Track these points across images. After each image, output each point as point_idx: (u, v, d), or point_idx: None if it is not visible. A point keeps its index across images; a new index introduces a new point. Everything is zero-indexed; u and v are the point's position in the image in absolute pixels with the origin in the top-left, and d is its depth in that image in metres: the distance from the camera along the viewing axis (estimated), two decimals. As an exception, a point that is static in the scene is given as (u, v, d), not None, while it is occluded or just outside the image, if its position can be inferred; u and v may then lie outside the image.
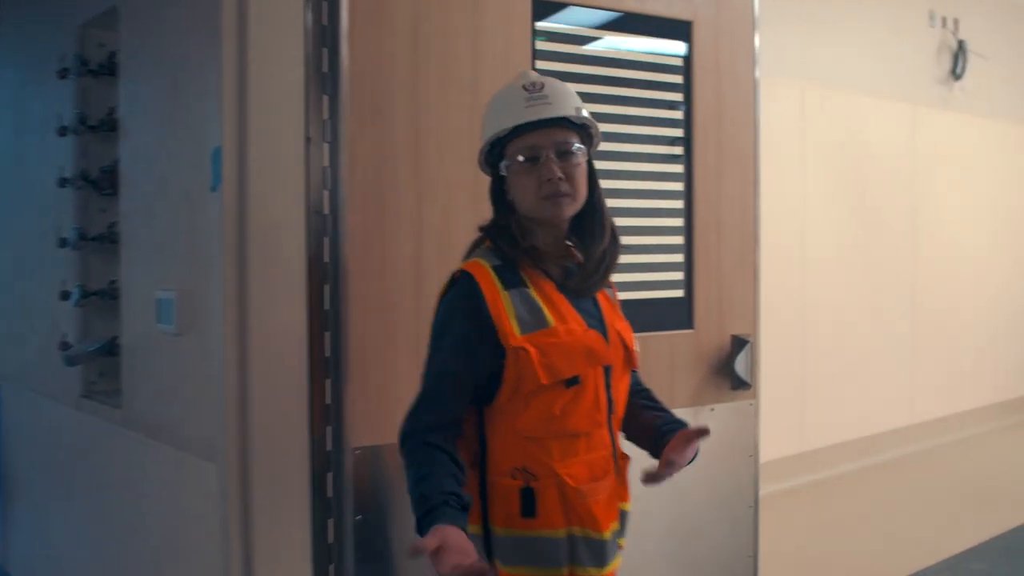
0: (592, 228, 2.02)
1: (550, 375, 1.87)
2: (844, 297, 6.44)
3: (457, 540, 1.70)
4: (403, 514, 2.48)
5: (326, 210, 2.42)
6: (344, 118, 2.40)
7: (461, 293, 1.96)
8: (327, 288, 2.42)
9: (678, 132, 2.95)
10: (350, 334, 2.40)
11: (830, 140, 6.37)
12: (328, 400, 2.43)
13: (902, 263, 6.96)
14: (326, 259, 2.42)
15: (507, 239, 1.98)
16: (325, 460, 2.42)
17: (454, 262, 2.54)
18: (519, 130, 1.95)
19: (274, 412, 2.36)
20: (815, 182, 6.27)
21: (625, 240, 2.86)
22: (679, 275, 2.96)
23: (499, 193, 2.03)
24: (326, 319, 2.42)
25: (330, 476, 2.42)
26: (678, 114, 2.95)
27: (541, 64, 2.69)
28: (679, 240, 2.96)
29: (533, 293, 1.93)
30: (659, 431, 2.05)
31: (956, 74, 7.44)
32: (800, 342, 5.98)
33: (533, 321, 1.91)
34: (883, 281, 6.79)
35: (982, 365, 7.74)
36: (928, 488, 6.19)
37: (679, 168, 2.95)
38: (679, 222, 2.96)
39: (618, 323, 2.06)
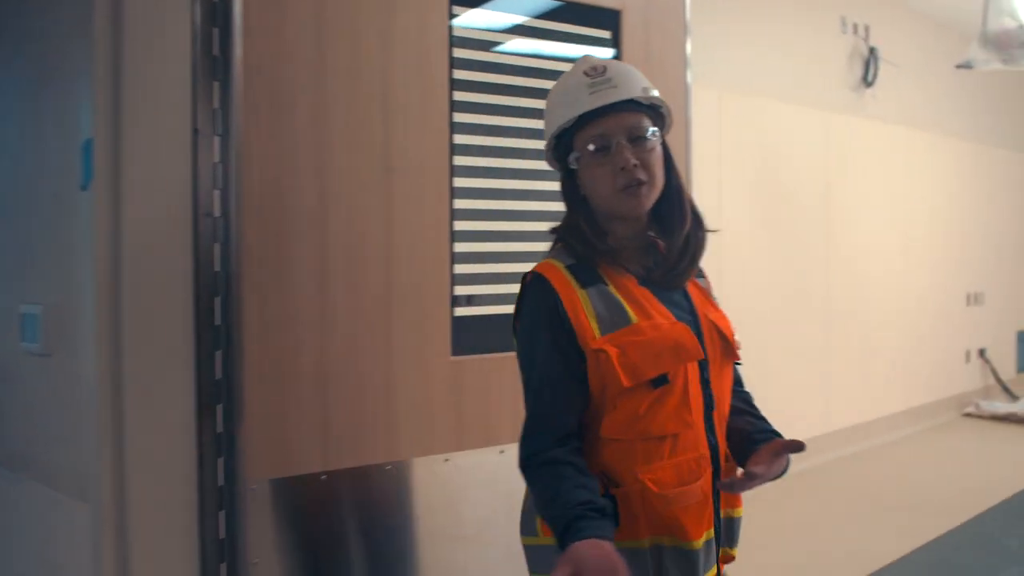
0: (673, 215, 1.84)
1: (632, 377, 1.70)
2: (759, 304, 6.34)
3: (596, 557, 1.54)
4: (306, 556, 2.21)
5: (217, 212, 2.13)
6: (238, 108, 2.11)
7: (535, 297, 1.79)
8: (218, 301, 2.13)
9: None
10: (245, 353, 2.12)
11: (746, 146, 6.27)
12: (220, 429, 2.13)
13: (816, 270, 6.91)
14: (217, 268, 2.13)
15: (579, 238, 1.82)
16: (217, 497, 2.13)
17: (363, 270, 2.29)
18: (585, 118, 1.80)
19: (156, 444, 2.06)
20: (731, 188, 6.15)
21: (540, 249, 2.66)
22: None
23: (571, 189, 1.87)
24: (217, 336, 2.13)
25: (222, 515, 2.13)
26: (606, 110, 2.73)
27: (459, 52, 2.44)
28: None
29: (612, 290, 1.77)
30: (750, 438, 1.86)
31: (868, 81, 7.43)
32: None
33: (614, 319, 1.74)
34: (797, 288, 6.72)
35: (896, 371, 7.74)
36: (846, 498, 6.10)
37: (607, 168, 2.74)
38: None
39: (712, 312, 1.87)
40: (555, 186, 2.65)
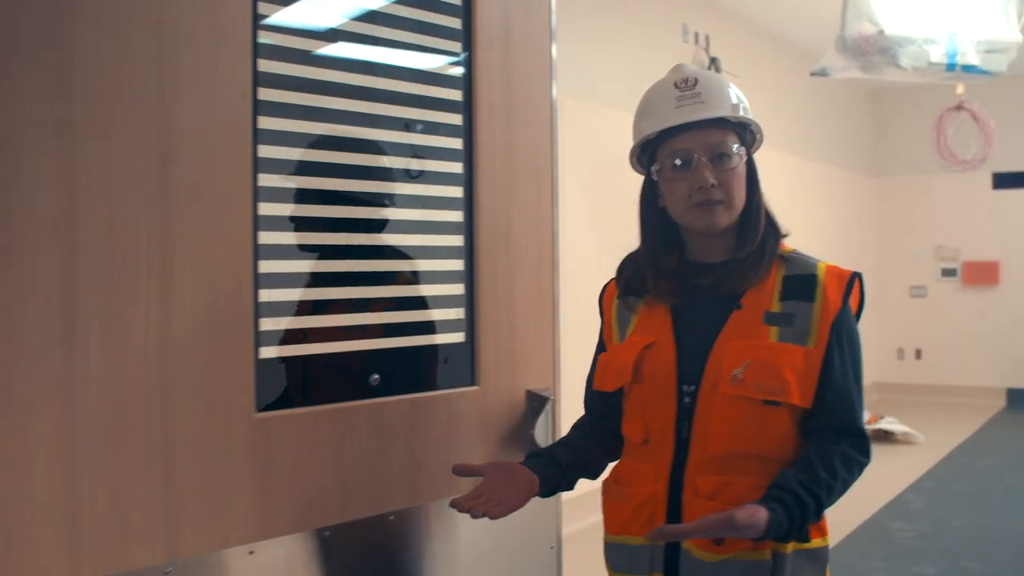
0: (748, 231, 1.84)
1: (598, 383, 1.97)
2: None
3: (507, 467, 1.86)
4: None
5: (-97, 216, 1.47)
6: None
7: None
8: (-95, 346, 1.47)
9: (456, 119, 2.18)
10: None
11: (586, 153, 5.86)
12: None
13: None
14: (-96, 297, 1.47)
15: (630, 260, 1.99)
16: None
17: (129, 299, 1.64)
18: (669, 132, 1.82)
19: None
20: (571, 196, 5.73)
21: (385, 266, 2.09)
22: (459, 312, 2.19)
23: (650, 198, 1.94)
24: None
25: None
26: (456, 94, 2.18)
27: (266, 8, 1.85)
28: (458, 265, 2.19)
29: (640, 304, 1.93)
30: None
31: (709, 92, 7.17)
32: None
33: (622, 331, 1.96)
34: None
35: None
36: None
37: (458, 167, 2.19)
38: (458, 240, 2.19)
39: (734, 344, 1.77)
40: (399, 188, 2.10)
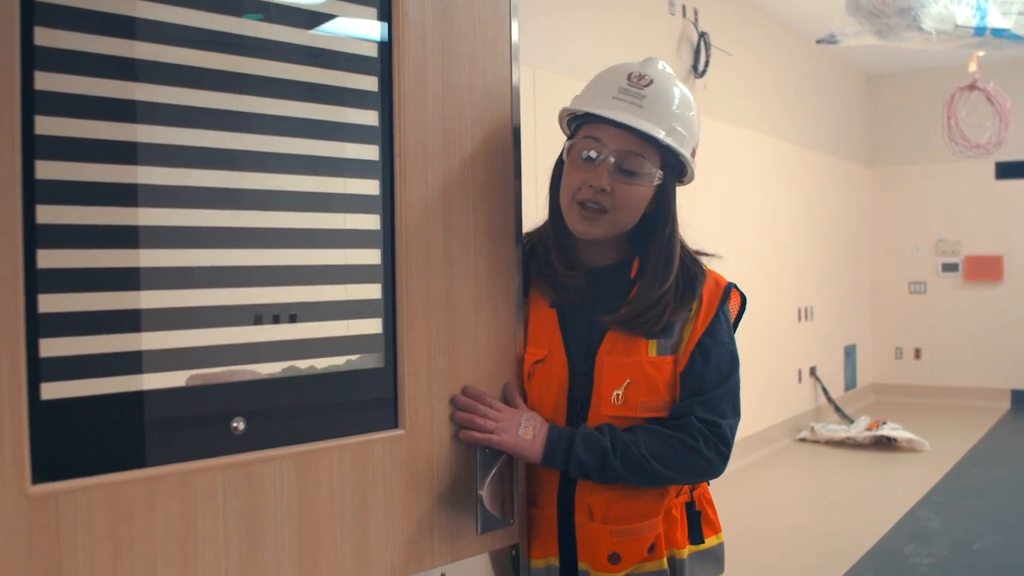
0: (657, 267, 1.73)
1: None
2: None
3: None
4: None
5: None
6: None
7: None
8: None
9: (369, 48, 1.53)
10: None
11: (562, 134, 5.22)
12: None
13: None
14: None
15: (531, 239, 1.84)
16: None
17: None
18: (594, 117, 1.71)
19: None
20: (545, 177, 5.08)
21: (268, 258, 1.44)
22: (373, 324, 1.54)
23: (556, 175, 1.80)
24: None
25: None
26: (373, 29, 1.53)
27: None
28: (372, 257, 1.54)
29: (527, 300, 1.80)
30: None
31: (698, 71, 6.55)
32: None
33: None
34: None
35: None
36: None
37: (370, 117, 1.53)
38: (372, 221, 1.54)
39: (612, 358, 1.71)
40: (277, 144, 1.44)
